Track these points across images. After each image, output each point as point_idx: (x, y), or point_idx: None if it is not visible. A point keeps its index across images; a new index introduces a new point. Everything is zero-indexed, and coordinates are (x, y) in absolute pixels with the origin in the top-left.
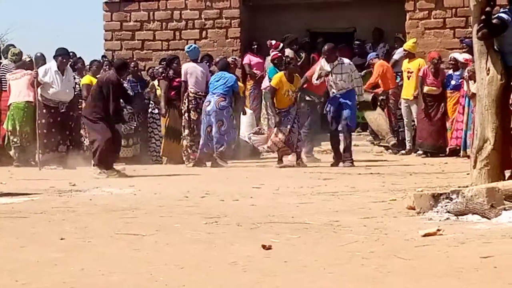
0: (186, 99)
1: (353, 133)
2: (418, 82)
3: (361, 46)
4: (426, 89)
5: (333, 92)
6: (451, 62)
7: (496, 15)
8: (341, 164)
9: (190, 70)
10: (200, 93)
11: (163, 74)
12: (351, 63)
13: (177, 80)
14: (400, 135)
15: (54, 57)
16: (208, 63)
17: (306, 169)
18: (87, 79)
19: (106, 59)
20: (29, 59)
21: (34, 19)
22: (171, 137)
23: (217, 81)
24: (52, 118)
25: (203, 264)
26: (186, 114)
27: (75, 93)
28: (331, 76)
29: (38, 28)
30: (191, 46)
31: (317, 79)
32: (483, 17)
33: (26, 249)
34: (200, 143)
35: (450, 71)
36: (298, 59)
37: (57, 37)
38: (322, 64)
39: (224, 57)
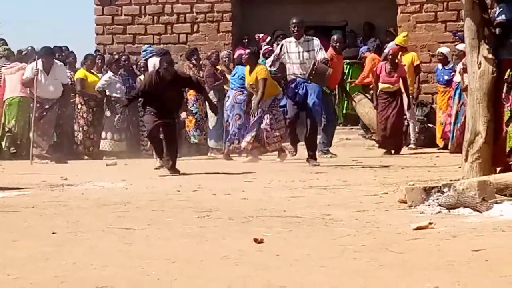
0: None
1: (344, 127)
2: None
3: (353, 36)
4: (380, 86)
5: (295, 76)
6: (439, 57)
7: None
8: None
9: (157, 65)
10: None
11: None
12: (318, 40)
13: None
14: None
15: (39, 56)
16: (196, 57)
17: (298, 163)
18: (81, 73)
19: (100, 53)
20: (25, 52)
21: (27, 13)
22: None
23: (233, 76)
24: (38, 113)
25: (195, 258)
26: None
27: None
28: (297, 56)
29: (31, 22)
30: (146, 47)
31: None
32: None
33: (17, 243)
34: (224, 137)
35: (440, 66)
36: None
37: (50, 31)
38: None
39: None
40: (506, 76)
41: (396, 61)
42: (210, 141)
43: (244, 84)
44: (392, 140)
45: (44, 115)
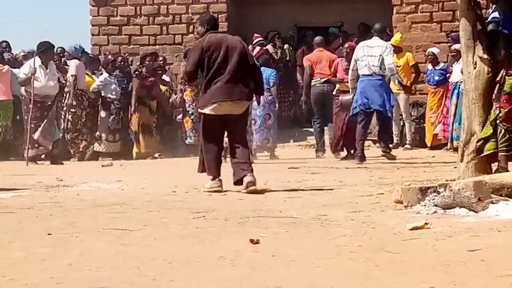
0: (73, 95)
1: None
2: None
3: (346, 37)
4: (337, 86)
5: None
6: (430, 56)
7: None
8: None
9: (79, 67)
10: (84, 90)
11: (136, 72)
12: None
13: (149, 79)
14: None
15: (38, 51)
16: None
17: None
18: None
19: (90, 55)
20: (23, 54)
21: (21, 13)
22: (144, 132)
23: None
24: (39, 113)
25: (191, 259)
26: (73, 109)
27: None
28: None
29: (25, 22)
30: (77, 45)
31: None
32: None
33: (13, 244)
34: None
35: (429, 66)
36: (276, 53)
37: (45, 32)
38: None
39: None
40: (498, 78)
41: None
42: None
43: (268, 85)
44: (348, 142)
45: (46, 115)
